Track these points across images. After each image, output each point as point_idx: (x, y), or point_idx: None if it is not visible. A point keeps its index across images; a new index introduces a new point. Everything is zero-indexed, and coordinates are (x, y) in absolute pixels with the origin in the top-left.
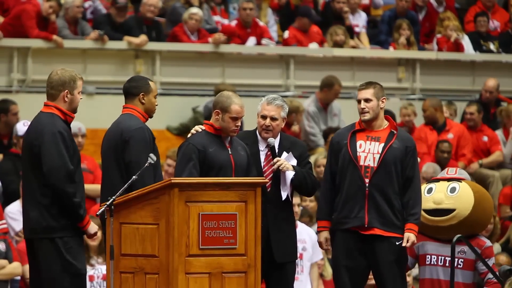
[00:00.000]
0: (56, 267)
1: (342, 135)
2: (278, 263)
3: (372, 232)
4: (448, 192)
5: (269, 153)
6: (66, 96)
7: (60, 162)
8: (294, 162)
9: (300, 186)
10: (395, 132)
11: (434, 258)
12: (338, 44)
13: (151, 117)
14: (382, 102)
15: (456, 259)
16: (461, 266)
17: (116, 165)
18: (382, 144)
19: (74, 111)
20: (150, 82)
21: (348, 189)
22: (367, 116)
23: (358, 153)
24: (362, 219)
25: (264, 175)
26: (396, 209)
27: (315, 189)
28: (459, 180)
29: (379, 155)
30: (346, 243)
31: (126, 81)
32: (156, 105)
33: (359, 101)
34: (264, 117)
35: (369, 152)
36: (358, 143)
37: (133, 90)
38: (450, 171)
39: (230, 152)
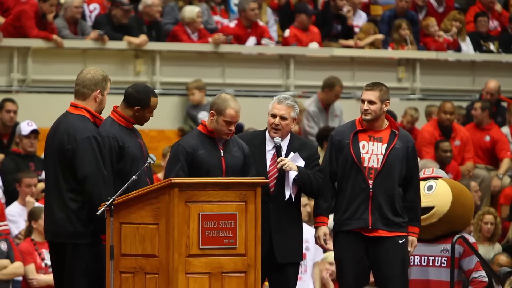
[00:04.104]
0: (77, 271)
1: (343, 134)
2: (280, 263)
3: (375, 234)
4: (425, 191)
5: (275, 153)
6: (98, 96)
7: (97, 169)
8: (301, 163)
9: (304, 187)
10: (396, 132)
11: (417, 258)
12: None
13: (141, 125)
14: (386, 105)
15: (440, 258)
16: (445, 264)
17: None
18: (385, 145)
19: (101, 112)
20: (151, 98)
21: (352, 191)
22: (368, 117)
23: (361, 154)
24: (366, 220)
25: (269, 175)
26: (398, 209)
27: (322, 191)
28: (435, 178)
29: (382, 156)
30: (349, 244)
31: (130, 85)
32: (151, 116)
33: (362, 101)
34: (274, 115)
35: (372, 153)
36: (361, 144)
37: (131, 100)
38: (427, 171)
39: (222, 154)
